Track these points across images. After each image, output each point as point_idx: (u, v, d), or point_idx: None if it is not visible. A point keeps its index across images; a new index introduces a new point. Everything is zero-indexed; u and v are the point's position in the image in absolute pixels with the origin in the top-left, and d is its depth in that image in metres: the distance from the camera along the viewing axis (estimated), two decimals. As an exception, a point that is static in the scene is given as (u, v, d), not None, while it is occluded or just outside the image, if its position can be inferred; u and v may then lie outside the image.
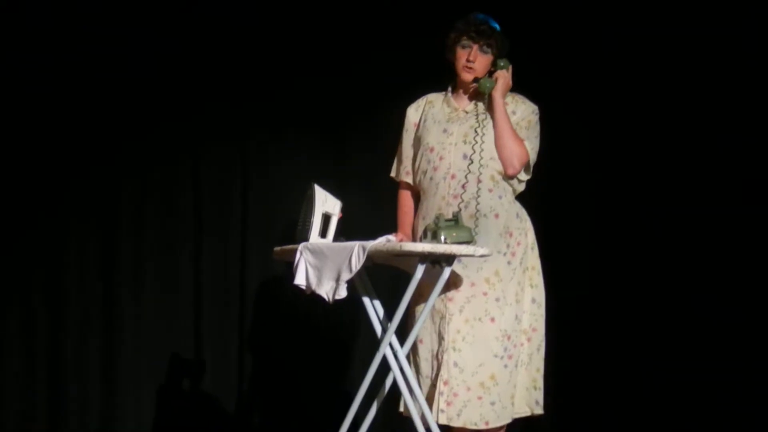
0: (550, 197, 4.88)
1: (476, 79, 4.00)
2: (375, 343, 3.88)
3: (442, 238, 3.70)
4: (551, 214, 4.75)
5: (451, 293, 3.95)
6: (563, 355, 4.63)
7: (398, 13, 5.13)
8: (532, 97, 4.10)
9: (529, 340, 4.03)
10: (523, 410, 4.03)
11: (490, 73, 4.01)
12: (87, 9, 4.97)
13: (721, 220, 4.99)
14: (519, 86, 4.08)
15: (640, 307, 5.10)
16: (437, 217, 3.80)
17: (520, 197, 4.09)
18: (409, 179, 4.15)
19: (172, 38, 5.08)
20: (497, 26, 4.01)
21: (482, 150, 3.97)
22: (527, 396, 4.03)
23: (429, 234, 3.76)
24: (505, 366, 3.95)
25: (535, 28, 5.06)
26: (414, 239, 4.04)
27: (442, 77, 4.12)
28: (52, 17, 4.95)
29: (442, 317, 3.96)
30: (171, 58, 5.09)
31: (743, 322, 4.92)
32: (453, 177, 3.99)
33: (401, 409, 4.02)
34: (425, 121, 4.11)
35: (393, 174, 4.22)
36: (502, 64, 4.00)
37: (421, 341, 4.01)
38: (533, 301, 4.04)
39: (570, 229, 5.12)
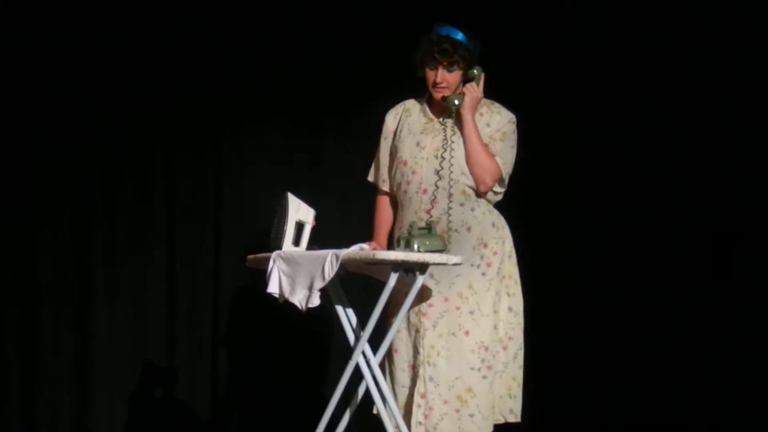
0: (532, 203, 4.85)
1: (444, 98, 3.94)
2: (349, 351, 3.86)
3: (415, 246, 3.68)
4: (532, 221, 4.73)
5: (425, 308, 3.93)
6: (543, 363, 4.62)
7: (377, 12, 5.08)
8: (512, 100, 4.04)
9: (504, 348, 4.00)
10: (495, 418, 4.00)
11: (464, 83, 3.94)
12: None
13: (708, 224, 4.96)
14: (499, 90, 4.02)
15: (624, 313, 5.08)
16: (410, 226, 3.78)
17: (500, 204, 4.05)
18: (385, 187, 4.12)
19: (151, 28, 5.03)
20: (461, 37, 3.91)
21: (452, 165, 3.93)
22: (501, 404, 4.00)
23: (402, 242, 3.74)
24: (484, 377, 3.92)
25: (515, 30, 5.04)
26: (390, 248, 4.01)
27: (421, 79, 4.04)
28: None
29: (417, 331, 3.95)
30: (148, 48, 5.04)
31: (729, 328, 4.92)
32: (425, 192, 3.96)
33: (375, 411, 3.98)
34: (401, 131, 4.06)
35: (371, 179, 4.19)
36: (475, 72, 3.94)
37: (396, 351, 3.99)
38: (509, 309, 4.01)
39: (552, 236, 5.10)
